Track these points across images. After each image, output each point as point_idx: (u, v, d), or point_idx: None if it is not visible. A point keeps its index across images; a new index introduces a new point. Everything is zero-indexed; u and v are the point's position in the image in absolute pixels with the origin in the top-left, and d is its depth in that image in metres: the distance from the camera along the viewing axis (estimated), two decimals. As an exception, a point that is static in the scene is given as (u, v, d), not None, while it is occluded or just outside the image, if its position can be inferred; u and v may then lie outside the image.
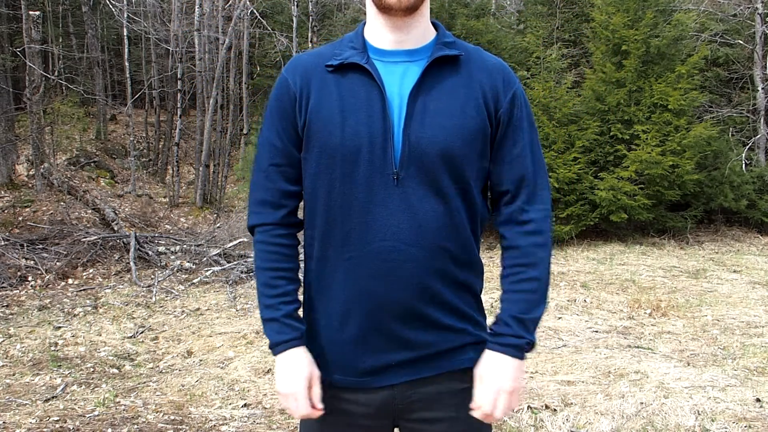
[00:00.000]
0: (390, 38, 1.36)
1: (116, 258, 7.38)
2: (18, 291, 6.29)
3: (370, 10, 1.37)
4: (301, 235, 1.47)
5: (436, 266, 1.33)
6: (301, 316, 1.46)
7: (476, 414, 1.36)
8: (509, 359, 1.34)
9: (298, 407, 1.36)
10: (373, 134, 1.31)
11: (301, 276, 1.44)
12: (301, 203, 1.45)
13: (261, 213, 1.42)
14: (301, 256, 1.48)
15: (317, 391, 1.36)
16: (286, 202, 1.42)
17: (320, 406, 1.36)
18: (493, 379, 1.34)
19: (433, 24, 1.41)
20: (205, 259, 7.44)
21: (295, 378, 1.35)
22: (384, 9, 1.32)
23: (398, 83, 1.34)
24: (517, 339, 1.34)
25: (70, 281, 6.72)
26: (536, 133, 1.43)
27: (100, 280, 6.85)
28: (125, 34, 13.89)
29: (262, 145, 1.43)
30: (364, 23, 1.41)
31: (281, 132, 1.39)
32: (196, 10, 12.70)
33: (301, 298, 1.45)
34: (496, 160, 1.39)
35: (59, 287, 6.51)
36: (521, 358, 1.36)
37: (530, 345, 1.36)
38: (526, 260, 1.37)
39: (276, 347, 1.37)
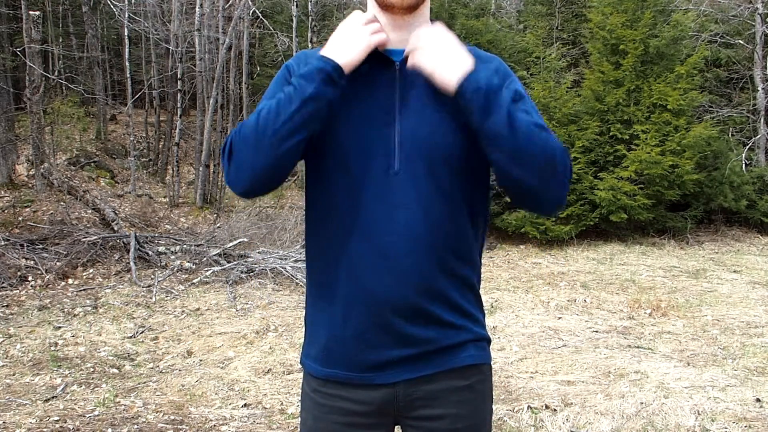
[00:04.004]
0: (391, 37, 1.37)
1: (116, 258, 7.38)
2: (18, 291, 6.29)
3: (372, 9, 1.39)
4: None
5: (436, 262, 1.33)
6: (305, 312, 1.47)
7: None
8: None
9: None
10: (372, 130, 1.32)
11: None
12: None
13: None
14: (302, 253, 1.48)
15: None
16: None
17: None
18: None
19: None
20: (205, 259, 7.44)
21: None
22: (386, 7, 1.34)
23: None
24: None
25: (70, 281, 6.72)
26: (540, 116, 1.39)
27: (100, 280, 6.85)
28: (125, 34, 13.88)
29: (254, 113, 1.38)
30: None
31: (273, 96, 1.35)
32: (197, 10, 12.69)
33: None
34: None
35: (59, 287, 6.51)
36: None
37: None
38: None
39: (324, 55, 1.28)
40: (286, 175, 1.31)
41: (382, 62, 1.37)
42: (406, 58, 1.35)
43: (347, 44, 1.29)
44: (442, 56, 1.27)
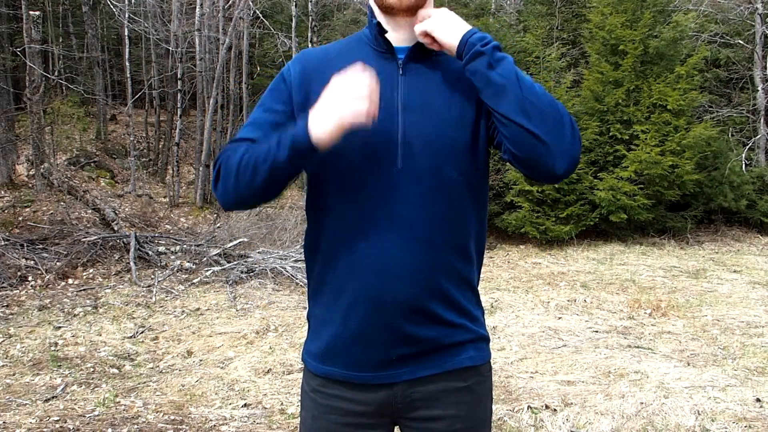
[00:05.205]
0: (394, 36, 1.38)
1: (116, 258, 7.38)
2: (18, 291, 6.29)
3: (375, 11, 1.40)
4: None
5: (437, 260, 1.34)
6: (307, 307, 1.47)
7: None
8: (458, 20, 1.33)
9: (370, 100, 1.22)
10: (375, 128, 1.32)
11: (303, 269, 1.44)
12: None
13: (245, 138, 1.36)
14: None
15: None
16: None
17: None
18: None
19: None
20: (205, 259, 7.44)
21: (363, 77, 1.22)
22: (385, 9, 1.36)
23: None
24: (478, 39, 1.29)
25: (70, 281, 6.72)
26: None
27: (100, 280, 6.85)
28: (125, 34, 13.88)
29: (246, 124, 1.40)
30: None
31: (267, 110, 1.38)
32: (197, 10, 12.69)
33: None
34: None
35: (59, 287, 6.51)
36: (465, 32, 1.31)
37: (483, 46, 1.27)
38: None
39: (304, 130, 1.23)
40: (272, 198, 1.36)
41: (385, 59, 1.37)
42: (407, 55, 1.37)
43: (326, 115, 1.22)
44: (445, 21, 1.32)
